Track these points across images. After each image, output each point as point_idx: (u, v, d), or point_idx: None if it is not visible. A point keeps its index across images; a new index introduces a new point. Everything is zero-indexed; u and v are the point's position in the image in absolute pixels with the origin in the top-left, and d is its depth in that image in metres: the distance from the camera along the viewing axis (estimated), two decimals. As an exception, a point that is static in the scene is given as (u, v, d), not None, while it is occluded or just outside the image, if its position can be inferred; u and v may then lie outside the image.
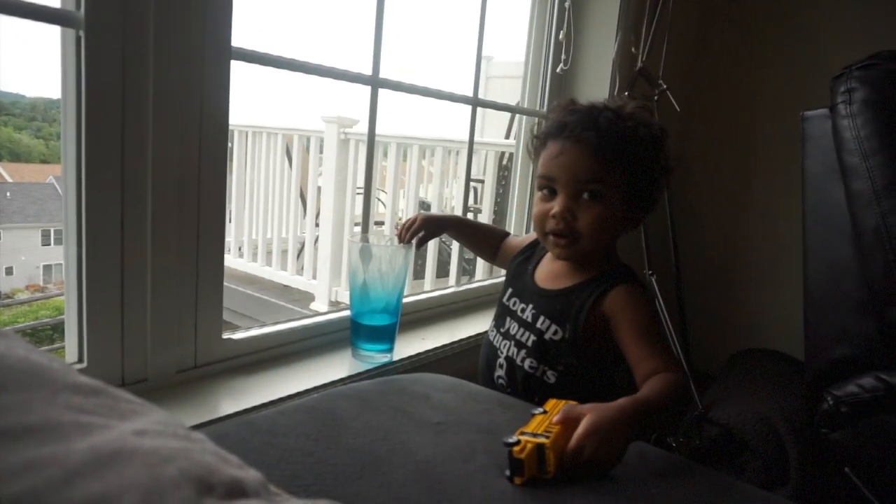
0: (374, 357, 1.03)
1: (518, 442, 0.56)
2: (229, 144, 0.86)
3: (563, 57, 1.55)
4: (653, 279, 1.48)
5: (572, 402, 0.65)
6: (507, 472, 0.56)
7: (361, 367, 1.01)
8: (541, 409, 0.64)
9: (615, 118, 0.80)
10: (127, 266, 0.76)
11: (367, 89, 1.12)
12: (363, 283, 1.00)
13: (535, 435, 0.57)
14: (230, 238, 3.11)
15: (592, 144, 0.79)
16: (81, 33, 0.69)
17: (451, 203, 3.70)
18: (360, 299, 1.01)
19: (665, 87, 1.54)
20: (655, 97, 1.57)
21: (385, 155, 2.77)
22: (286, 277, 2.99)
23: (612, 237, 0.88)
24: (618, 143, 0.79)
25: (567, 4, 1.53)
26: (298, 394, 0.88)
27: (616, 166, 0.80)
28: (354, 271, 1.01)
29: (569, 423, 0.61)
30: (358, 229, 2.74)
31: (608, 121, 0.80)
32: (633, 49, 1.55)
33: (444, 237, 1.18)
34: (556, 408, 0.64)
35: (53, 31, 0.70)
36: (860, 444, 1.00)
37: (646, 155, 0.82)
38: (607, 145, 0.79)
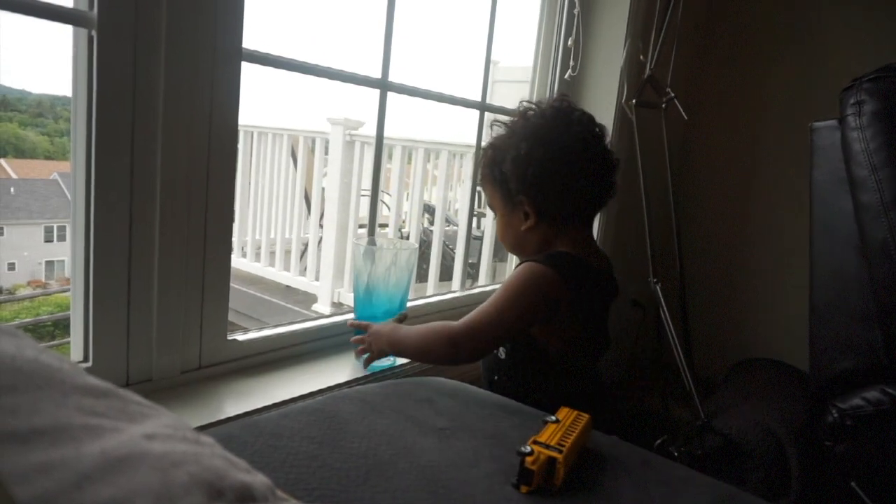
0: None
1: (532, 452, 0.56)
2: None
3: (571, 63, 1.56)
4: (657, 287, 1.47)
5: (584, 414, 0.65)
6: (514, 480, 0.56)
7: (365, 370, 1.00)
8: (553, 418, 0.64)
9: (486, 149, 0.98)
10: (134, 265, 0.76)
11: (374, 92, 1.12)
12: (367, 286, 1.00)
13: (548, 447, 0.57)
14: (234, 238, 3.11)
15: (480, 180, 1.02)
16: (94, 33, 0.69)
17: (454, 206, 3.71)
18: (365, 302, 1.01)
19: (673, 95, 1.54)
20: (663, 105, 1.57)
21: (390, 157, 2.77)
22: (289, 278, 2.99)
23: (534, 233, 0.94)
24: (483, 172, 0.99)
25: (576, 11, 1.53)
26: (302, 396, 0.88)
27: (488, 187, 0.98)
28: (359, 274, 1.01)
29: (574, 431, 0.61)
30: (361, 231, 2.75)
31: (482, 156, 0.99)
32: (641, 57, 1.55)
33: (448, 243, 1.24)
34: (568, 417, 0.64)
35: (62, 29, 0.70)
36: (863, 455, 1.00)
37: (505, 162, 0.92)
38: (481, 177, 1.00)
